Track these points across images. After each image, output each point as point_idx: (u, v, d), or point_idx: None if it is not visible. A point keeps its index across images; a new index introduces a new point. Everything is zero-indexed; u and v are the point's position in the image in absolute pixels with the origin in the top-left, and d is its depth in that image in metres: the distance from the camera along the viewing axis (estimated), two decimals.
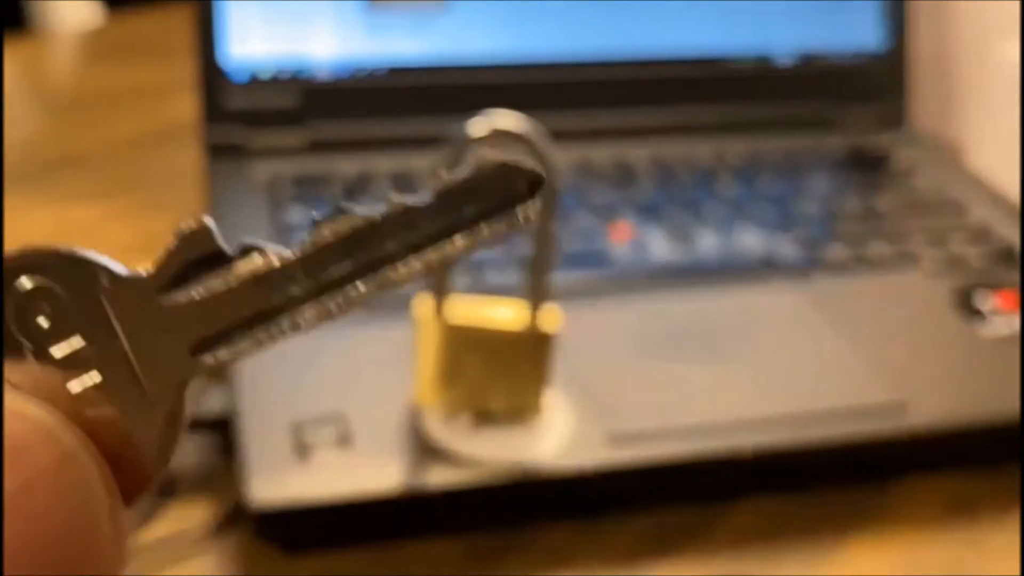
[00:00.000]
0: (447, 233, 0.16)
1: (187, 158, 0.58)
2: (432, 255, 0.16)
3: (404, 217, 0.16)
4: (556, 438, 0.40)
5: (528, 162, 0.16)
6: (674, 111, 0.61)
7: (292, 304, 0.16)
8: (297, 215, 0.51)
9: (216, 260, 0.16)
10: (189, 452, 0.42)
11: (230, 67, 0.55)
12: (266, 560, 0.38)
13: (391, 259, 0.16)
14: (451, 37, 0.58)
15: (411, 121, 0.57)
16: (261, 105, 0.56)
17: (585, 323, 0.44)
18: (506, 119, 0.35)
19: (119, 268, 0.16)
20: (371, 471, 0.38)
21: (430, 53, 0.57)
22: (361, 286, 0.17)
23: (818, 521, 0.41)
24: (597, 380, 0.42)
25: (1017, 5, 0.61)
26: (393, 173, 0.55)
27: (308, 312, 0.17)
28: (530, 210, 0.17)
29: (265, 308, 0.16)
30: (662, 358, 0.44)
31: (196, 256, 0.16)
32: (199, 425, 0.41)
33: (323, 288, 0.16)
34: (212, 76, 0.55)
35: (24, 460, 0.14)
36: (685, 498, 0.41)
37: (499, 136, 0.35)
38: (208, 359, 0.16)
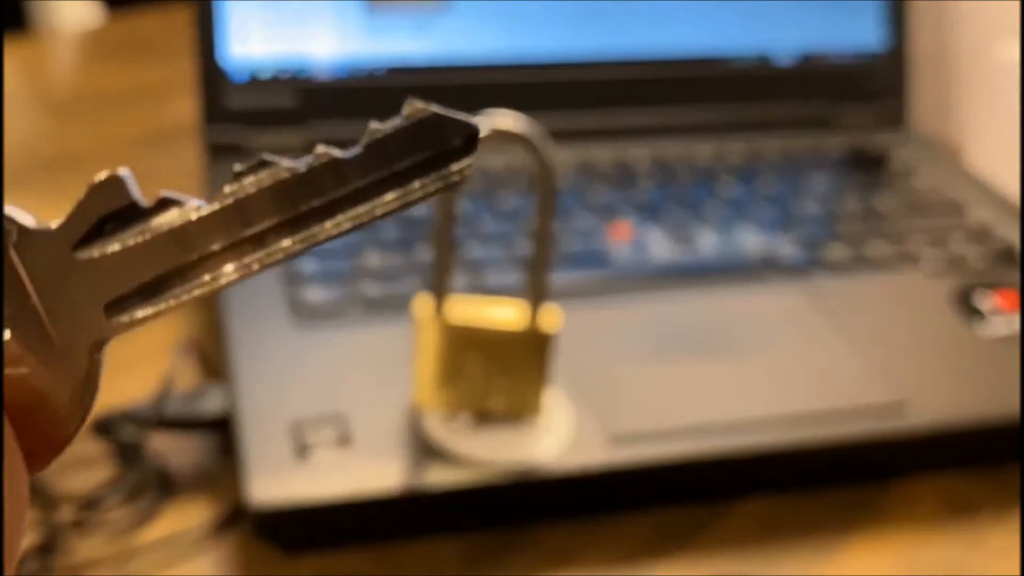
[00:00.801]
0: (377, 188, 0.16)
1: (187, 158, 0.58)
2: (360, 210, 0.16)
3: (331, 169, 0.15)
4: (556, 438, 0.40)
5: (461, 115, 0.16)
6: (674, 111, 0.61)
7: (211, 259, 0.16)
8: None
9: (131, 213, 0.15)
10: (189, 452, 0.42)
11: (230, 67, 0.55)
12: (266, 560, 0.38)
13: (317, 214, 0.16)
14: (451, 37, 0.58)
15: None
16: (261, 105, 0.56)
17: (585, 323, 0.44)
18: (506, 119, 0.35)
19: (28, 220, 0.16)
20: (371, 471, 0.38)
21: (430, 53, 0.57)
22: (285, 242, 0.16)
23: (818, 521, 0.41)
24: (597, 380, 0.42)
25: (1017, 5, 0.61)
26: None
27: (228, 268, 0.16)
28: (464, 166, 0.16)
29: (183, 263, 0.15)
30: (662, 358, 0.44)
31: (110, 209, 0.15)
32: (199, 425, 0.41)
33: (245, 243, 0.16)
34: (212, 76, 0.55)
35: None
36: (685, 498, 0.41)
37: (499, 136, 0.35)
38: (124, 317, 0.16)
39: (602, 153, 0.58)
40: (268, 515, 0.37)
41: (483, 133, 0.35)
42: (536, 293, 0.38)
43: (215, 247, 0.16)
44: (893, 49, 0.63)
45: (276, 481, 0.37)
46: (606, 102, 0.60)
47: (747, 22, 0.61)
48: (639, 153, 0.59)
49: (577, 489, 0.40)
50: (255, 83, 0.55)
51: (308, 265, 0.48)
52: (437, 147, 0.16)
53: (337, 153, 0.15)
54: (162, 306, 0.16)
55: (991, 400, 0.44)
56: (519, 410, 0.40)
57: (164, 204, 0.16)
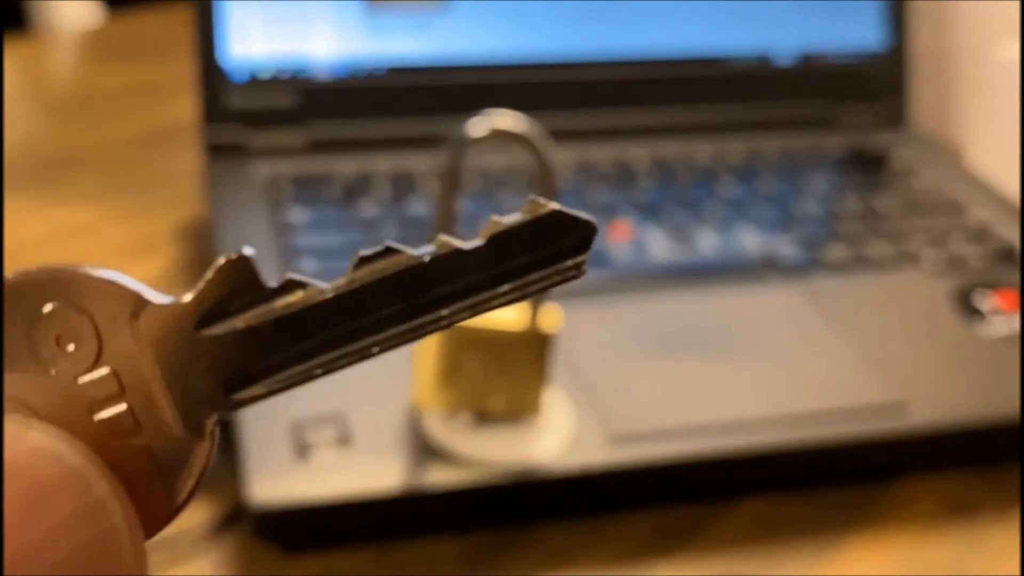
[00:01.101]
0: (495, 280, 0.16)
1: (187, 158, 0.58)
2: (477, 300, 0.16)
3: (453, 261, 0.16)
4: (556, 438, 0.40)
5: (582, 214, 0.16)
6: (674, 111, 0.61)
7: (331, 343, 0.16)
8: (297, 215, 0.51)
9: (256, 292, 0.16)
10: None
11: (230, 67, 0.55)
12: (266, 560, 0.38)
13: (436, 304, 0.16)
14: (451, 37, 0.58)
15: (411, 121, 0.57)
16: (261, 105, 0.56)
17: (585, 323, 0.44)
18: (506, 119, 0.35)
19: (154, 295, 0.16)
20: (371, 471, 0.38)
21: (430, 53, 0.57)
22: (401, 327, 0.16)
23: (818, 521, 0.41)
24: (597, 380, 0.42)
25: (1017, 5, 0.61)
26: (393, 173, 0.55)
27: (347, 351, 0.16)
28: (580, 261, 0.16)
29: (303, 347, 0.16)
30: (662, 358, 0.44)
31: (235, 288, 0.16)
32: None
33: (364, 329, 0.16)
34: (212, 76, 0.55)
35: (52, 507, 0.14)
36: (685, 498, 0.41)
37: (499, 136, 0.35)
38: (242, 395, 0.16)
39: (602, 153, 0.58)
40: (268, 515, 0.37)
41: (483, 133, 0.36)
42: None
43: (334, 332, 0.16)
44: (893, 49, 0.63)
45: (276, 481, 0.37)
46: (606, 102, 0.60)
47: (747, 22, 0.61)
48: (639, 153, 0.59)
49: (577, 489, 0.40)
50: (255, 83, 0.55)
51: (308, 265, 0.48)
52: (556, 243, 0.16)
53: (460, 244, 0.16)
54: (279, 386, 0.16)
55: (991, 400, 0.44)
56: (519, 410, 0.40)
57: (289, 285, 0.16)
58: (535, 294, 0.16)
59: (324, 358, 0.16)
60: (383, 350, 0.16)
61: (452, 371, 0.39)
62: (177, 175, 0.59)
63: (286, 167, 0.55)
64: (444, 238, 0.16)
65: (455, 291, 0.16)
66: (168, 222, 0.56)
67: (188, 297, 0.16)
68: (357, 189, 0.54)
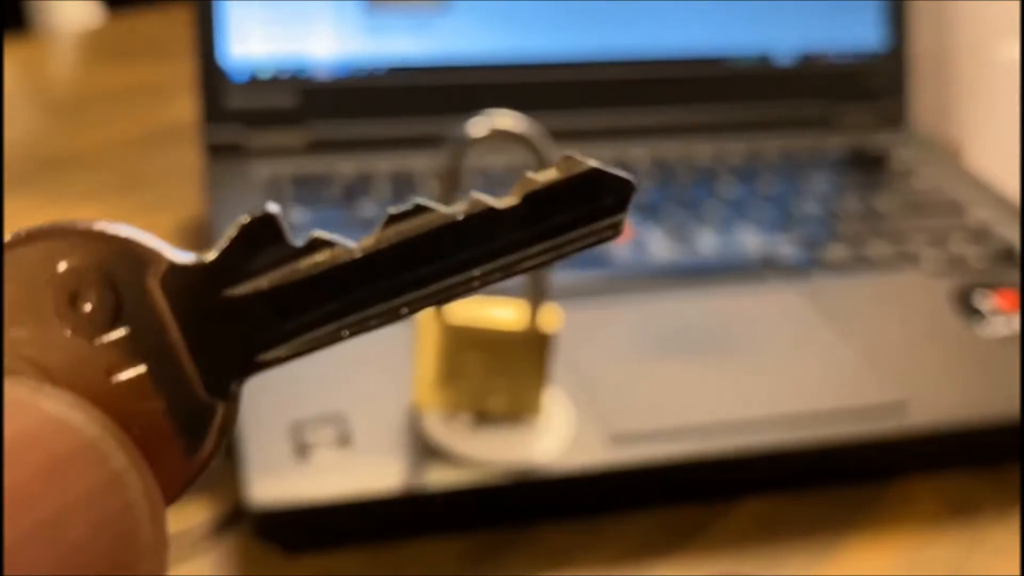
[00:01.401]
0: (530, 240, 0.15)
1: (187, 158, 0.58)
2: (511, 260, 0.15)
3: (487, 219, 0.15)
4: (556, 438, 0.40)
5: (620, 172, 0.15)
6: (674, 111, 0.61)
7: (359, 303, 0.15)
8: (297, 215, 0.51)
9: (280, 251, 0.15)
10: None
11: (230, 67, 0.55)
12: (266, 560, 0.38)
13: (468, 264, 0.15)
14: (451, 37, 0.58)
15: (411, 121, 0.57)
16: (261, 105, 0.56)
17: (585, 323, 0.44)
18: (506, 119, 0.35)
19: (176, 254, 0.15)
20: (371, 471, 0.38)
21: (430, 53, 0.57)
22: (433, 287, 0.15)
23: (818, 521, 0.41)
24: (597, 380, 0.42)
25: (1017, 5, 0.61)
26: (393, 173, 0.55)
27: (374, 311, 0.15)
28: (618, 220, 0.15)
29: (330, 307, 0.15)
30: (662, 358, 0.44)
31: (260, 247, 0.15)
32: None
33: (394, 289, 0.15)
34: (212, 76, 0.55)
35: (68, 480, 0.13)
36: (685, 498, 0.41)
37: (499, 136, 0.35)
38: (266, 356, 0.15)
39: (602, 153, 0.58)
40: (268, 515, 0.37)
41: (483, 133, 0.36)
42: (536, 293, 0.38)
43: (362, 292, 0.15)
44: (893, 49, 0.63)
45: (276, 481, 0.37)
46: (606, 102, 0.60)
47: (747, 22, 0.61)
48: (639, 153, 0.59)
49: (577, 489, 0.40)
50: (255, 83, 0.55)
51: None
52: (593, 202, 0.15)
53: (493, 203, 0.15)
54: (304, 347, 0.15)
55: (991, 400, 0.44)
56: (519, 410, 0.40)
57: (315, 244, 0.15)
58: (570, 254, 0.15)
59: (351, 319, 0.15)
60: (412, 311, 0.15)
61: (452, 371, 0.39)
62: (177, 175, 0.59)
63: (286, 167, 0.55)
64: (477, 196, 0.15)
65: (489, 251, 0.15)
66: (168, 222, 0.56)
67: (211, 256, 0.15)
68: (357, 189, 0.54)
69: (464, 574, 0.38)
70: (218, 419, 0.15)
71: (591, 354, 0.44)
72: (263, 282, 0.15)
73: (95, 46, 0.82)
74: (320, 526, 0.38)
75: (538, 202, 0.15)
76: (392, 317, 0.15)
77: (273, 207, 0.15)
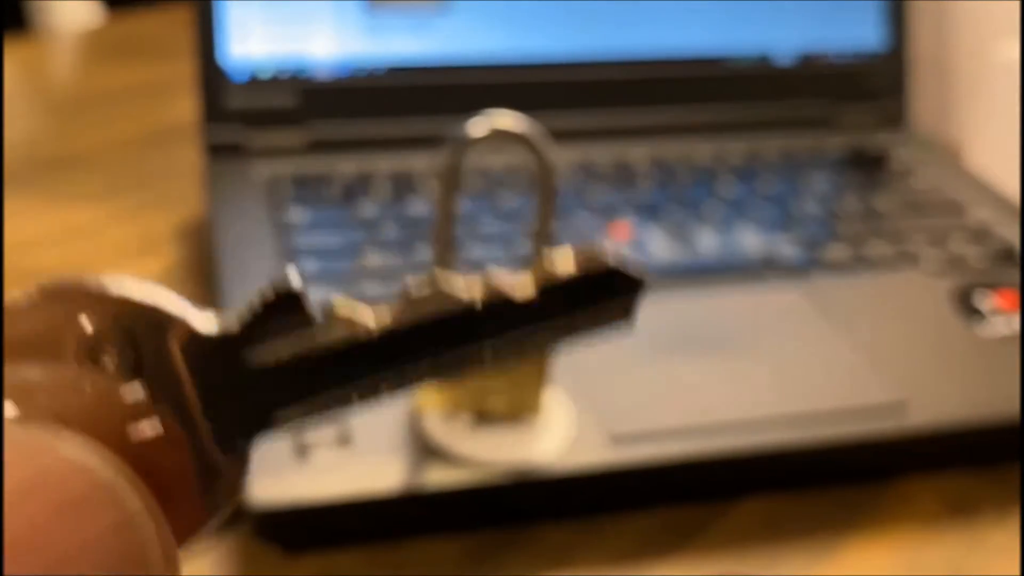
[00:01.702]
0: (543, 328, 0.16)
1: (187, 158, 0.58)
2: (522, 346, 0.16)
3: (502, 310, 0.16)
4: (556, 438, 0.40)
5: (636, 268, 0.16)
6: (674, 111, 0.61)
7: (373, 376, 0.16)
8: (297, 215, 0.51)
9: (301, 323, 0.16)
10: None
11: (230, 67, 0.55)
12: (266, 560, 0.38)
13: (479, 347, 0.16)
14: (451, 37, 0.58)
15: (411, 121, 0.57)
16: (261, 105, 0.56)
17: None
18: (506, 119, 0.35)
19: (199, 319, 0.16)
20: (371, 471, 0.38)
21: (430, 53, 0.57)
22: (443, 365, 0.16)
23: (818, 521, 0.41)
24: (597, 380, 0.42)
25: (1017, 5, 0.61)
26: (393, 173, 0.55)
27: (387, 384, 0.16)
28: (631, 312, 0.17)
29: (345, 379, 0.16)
30: (662, 358, 0.44)
31: (283, 320, 0.16)
32: None
33: (407, 365, 0.16)
34: (212, 76, 0.55)
35: (82, 521, 0.13)
36: (685, 498, 0.41)
37: (499, 136, 0.35)
38: (279, 419, 0.16)
39: (602, 153, 0.58)
40: (268, 515, 0.37)
41: (483, 133, 0.36)
42: None
43: (376, 367, 0.16)
44: (893, 49, 0.63)
45: (276, 481, 0.37)
46: (606, 102, 0.60)
47: (747, 22, 0.61)
48: (639, 153, 0.59)
49: (577, 489, 0.40)
50: (255, 83, 0.55)
51: (308, 265, 0.48)
52: (607, 297, 0.16)
53: (510, 292, 0.16)
54: (315, 410, 0.16)
55: (991, 400, 0.44)
56: (519, 410, 0.40)
57: (334, 317, 0.16)
58: (579, 339, 0.16)
59: (363, 388, 0.16)
60: (423, 382, 0.16)
61: None
62: (177, 175, 0.59)
63: (286, 167, 0.55)
64: (494, 277, 0.16)
65: (502, 336, 0.16)
66: (168, 222, 0.56)
67: (234, 328, 0.16)
68: (357, 189, 0.54)
69: (464, 574, 0.38)
70: (228, 475, 0.16)
71: (591, 354, 0.44)
72: (282, 355, 0.16)
73: (95, 46, 0.82)
74: (320, 526, 0.38)
75: (554, 296, 0.16)
76: (402, 386, 0.16)
77: (296, 281, 0.16)
